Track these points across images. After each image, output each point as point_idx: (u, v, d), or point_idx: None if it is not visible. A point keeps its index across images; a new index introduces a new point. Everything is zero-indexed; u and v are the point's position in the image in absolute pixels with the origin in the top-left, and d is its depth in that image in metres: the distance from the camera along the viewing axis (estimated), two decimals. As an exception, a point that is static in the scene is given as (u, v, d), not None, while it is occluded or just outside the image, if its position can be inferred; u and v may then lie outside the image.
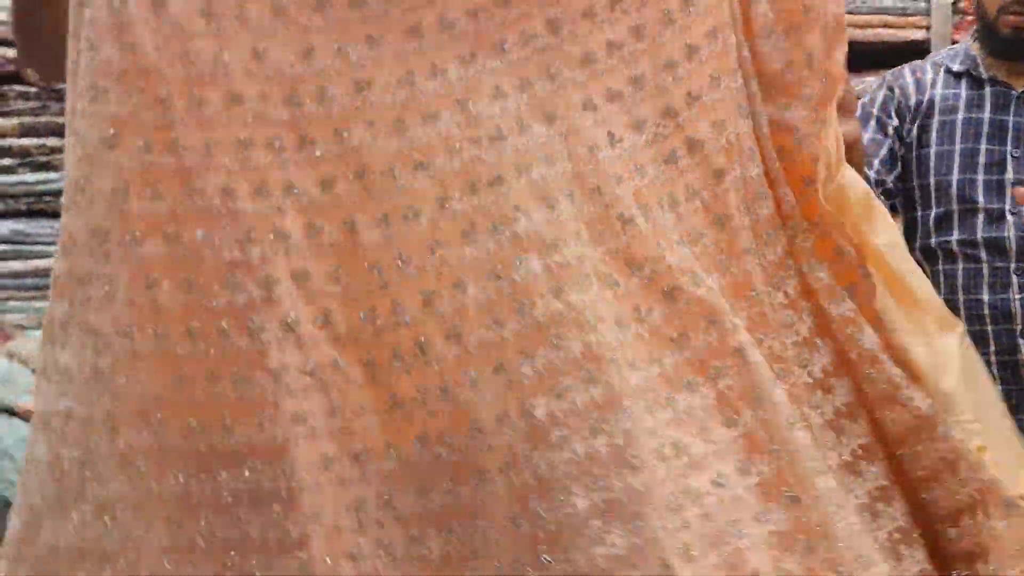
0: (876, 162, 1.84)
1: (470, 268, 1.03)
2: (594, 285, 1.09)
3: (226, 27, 0.97)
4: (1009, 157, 1.68)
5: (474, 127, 1.04)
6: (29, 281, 2.75)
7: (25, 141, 2.73)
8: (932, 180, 1.73)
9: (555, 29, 1.14)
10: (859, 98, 2.88)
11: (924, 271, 1.78)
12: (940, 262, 1.75)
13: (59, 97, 2.62)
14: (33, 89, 2.83)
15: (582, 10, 1.14)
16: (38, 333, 2.52)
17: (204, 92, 0.96)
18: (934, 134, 1.75)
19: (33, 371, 2.21)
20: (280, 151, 0.98)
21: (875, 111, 1.86)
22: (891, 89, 1.84)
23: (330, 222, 0.99)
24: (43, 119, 2.73)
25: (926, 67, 1.82)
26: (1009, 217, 1.66)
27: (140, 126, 0.94)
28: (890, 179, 1.82)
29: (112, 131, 0.95)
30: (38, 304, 2.74)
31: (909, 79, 1.82)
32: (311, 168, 0.99)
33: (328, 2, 0.99)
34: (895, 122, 1.83)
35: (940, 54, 1.85)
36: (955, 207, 1.71)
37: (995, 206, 1.67)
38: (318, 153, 0.99)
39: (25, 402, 2.15)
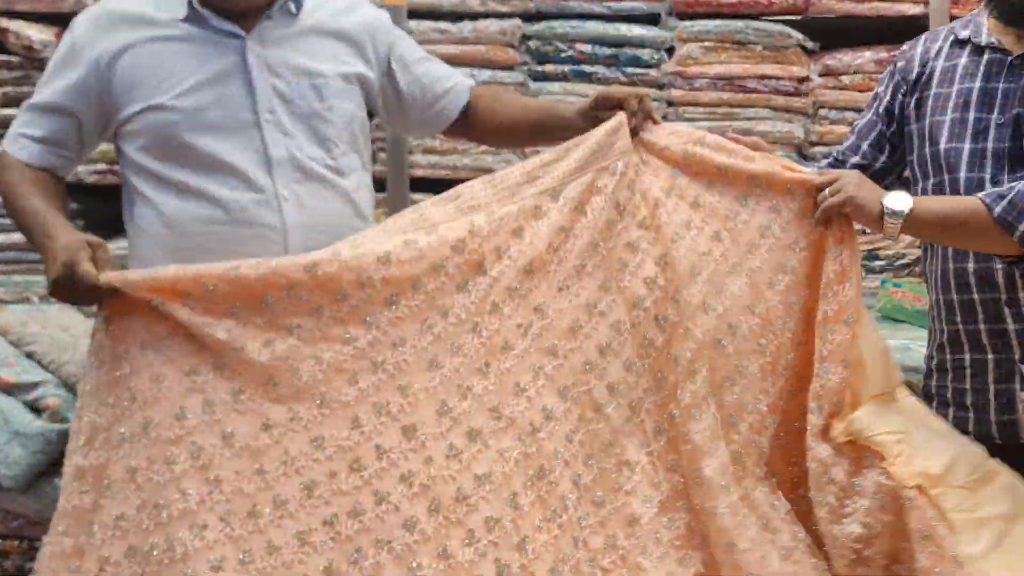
0: (865, 145, 1.81)
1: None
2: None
3: (282, 433, 1.31)
4: (993, 125, 1.63)
5: (507, 428, 1.39)
6: (10, 255, 2.71)
7: (7, 112, 2.67)
8: (928, 151, 1.70)
9: (543, 313, 1.44)
10: (856, 72, 2.88)
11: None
12: None
13: (42, 66, 2.56)
14: (16, 58, 2.78)
15: (557, 287, 1.46)
16: (17, 307, 2.48)
17: (282, 491, 1.29)
18: (929, 106, 1.72)
19: (11, 343, 2.17)
20: (360, 516, 1.29)
21: (880, 88, 1.83)
22: (896, 64, 1.81)
23: (426, 556, 1.30)
24: (25, 88, 2.67)
25: (940, 34, 1.78)
26: (988, 187, 1.61)
27: (239, 541, 1.26)
28: (879, 162, 1.81)
29: (218, 555, 1.25)
30: (17, 278, 2.70)
31: (918, 50, 1.78)
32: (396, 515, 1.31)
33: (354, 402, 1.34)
34: (887, 99, 1.80)
35: (957, 21, 1.80)
36: (944, 177, 1.67)
37: (976, 175, 1.63)
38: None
39: (5, 374, 2.11)
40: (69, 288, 1.35)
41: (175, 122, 1.57)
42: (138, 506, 1.26)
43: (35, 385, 2.11)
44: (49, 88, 1.61)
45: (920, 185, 1.74)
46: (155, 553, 1.24)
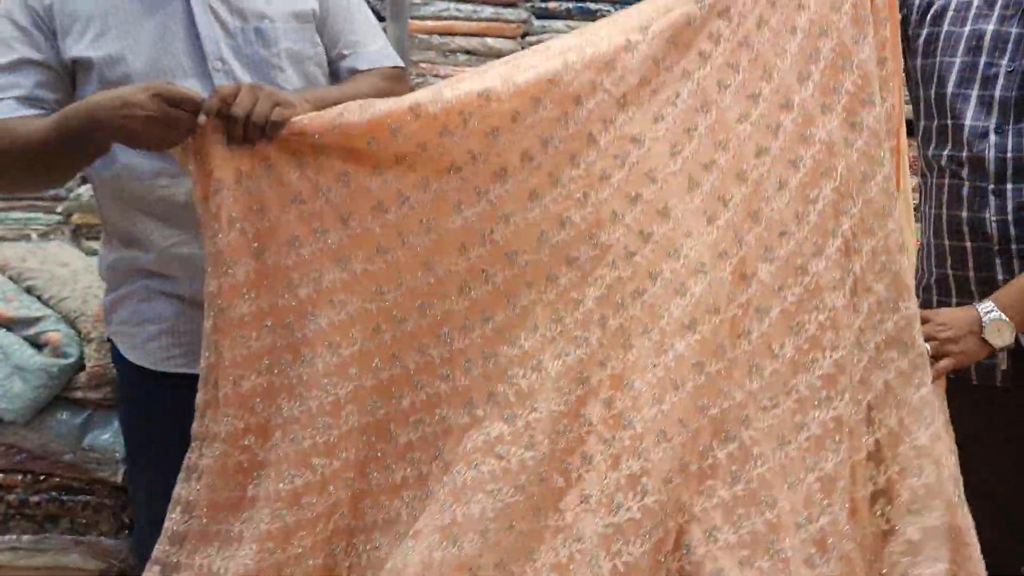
0: None
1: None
2: None
3: (394, 258, 1.41)
4: (1003, 72, 1.59)
5: (601, 255, 1.43)
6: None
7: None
8: (934, 92, 1.67)
9: (639, 143, 1.44)
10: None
11: (927, 181, 1.73)
12: (934, 175, 1.70)
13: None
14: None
15: (652, 117, 1.47)
16: (17, 243, 2.47)
17: (399, 310, 1.41)
18: (940, 44, 1.67)
19: (11, 278, 2.17)
20: (470, 332, 1.41)
21: None
22: None
23: (521, 367, 1.40)
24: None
25: None
26: (992, 136, 1.58)
27: (367, 355, 1.41)
28: None
29: (355, 369, 1.40)
30: (16, 215, 2.69)
31: None
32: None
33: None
34: None
35: None
36: (948, 121, 1.64)
37: (981, 123, 1.60)
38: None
39: (5, 309, 2.11)
40: (166, 121, 1.31)
41: (120, 75, 1.50)
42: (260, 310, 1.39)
43: (35, 320, 2.11)
44: (6, 47, 1.51)
45: (924, 124, 1.71)
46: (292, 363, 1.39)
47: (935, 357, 1.46)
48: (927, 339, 1.46)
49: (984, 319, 1.49)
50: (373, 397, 1.40)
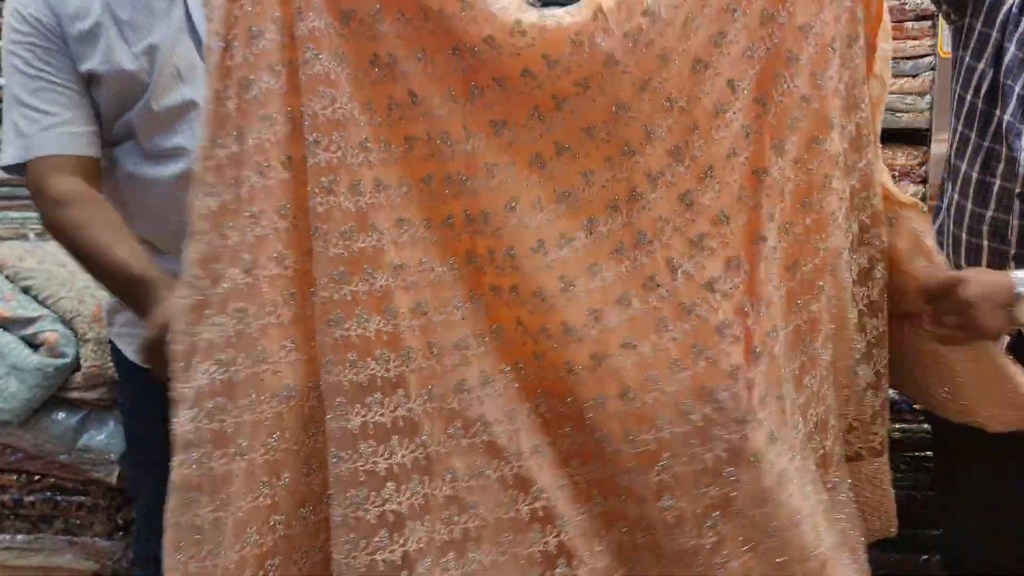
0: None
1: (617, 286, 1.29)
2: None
3: (400, 115, 1.22)
4: None
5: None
6: (4, 190, 2.68)
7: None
8: (981, 67, 1.60)
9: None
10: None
11: (958, 167, 1.66)
12: (964, 162, 1.64)
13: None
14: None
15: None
16: (14, 242, 2.47)
17: (385, 134, 1.22)
18: (999, 18, 1.58)
19: (7, 277, 2.16)
20: (454, 183, 1.23)
21: None
22: None
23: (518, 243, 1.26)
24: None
25: None
26: (1021, 142, 1.54)
27: (350, 168, 1.21)
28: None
29: (331, 176, 1.20)
30: (13, 214, 2.68)
31: None
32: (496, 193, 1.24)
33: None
34: None
35: None
36: (995, 111, 1.58)
37: (1017, 122, 1.55)
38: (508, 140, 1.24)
39: (1, 308, 2.10)
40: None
41: (133, 86, 1.51)
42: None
43: (32, 320, 2.10)
44: (39, 75, 1.52)
45: (970, 100, 1.63)
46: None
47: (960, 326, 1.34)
48: (944, 289, 1.35)
49: (1019, 289, 1.35)
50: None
